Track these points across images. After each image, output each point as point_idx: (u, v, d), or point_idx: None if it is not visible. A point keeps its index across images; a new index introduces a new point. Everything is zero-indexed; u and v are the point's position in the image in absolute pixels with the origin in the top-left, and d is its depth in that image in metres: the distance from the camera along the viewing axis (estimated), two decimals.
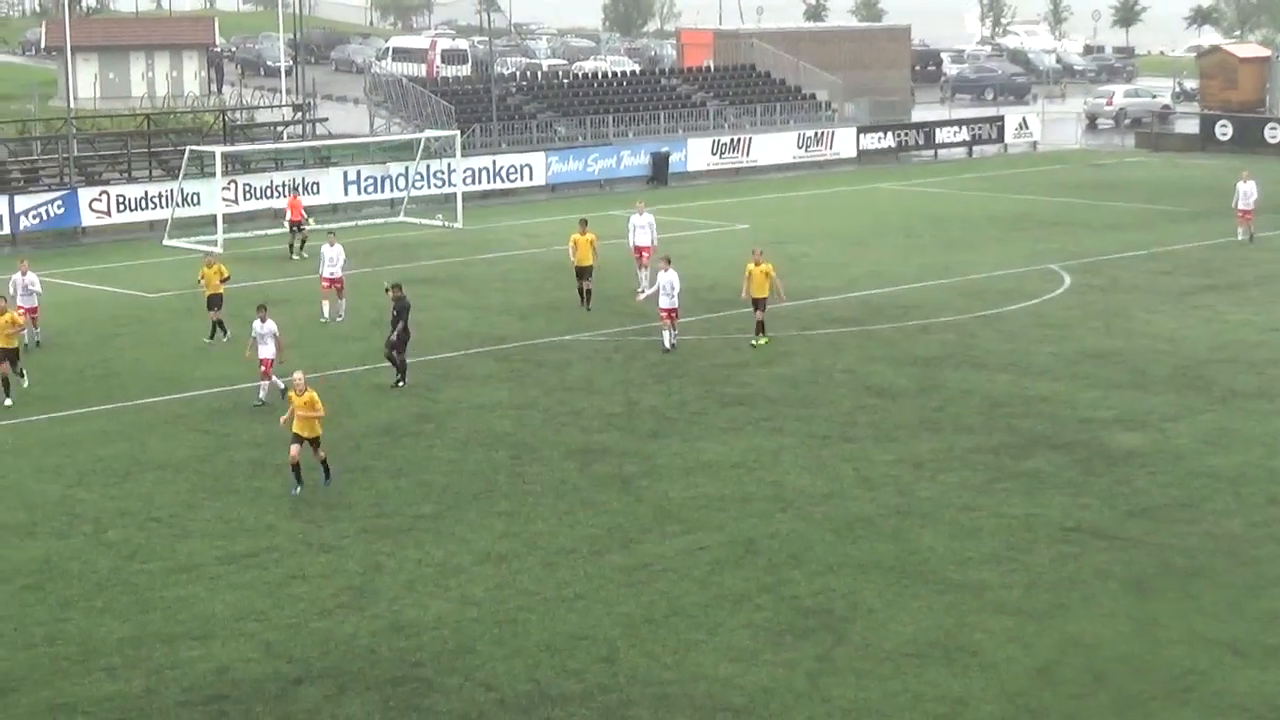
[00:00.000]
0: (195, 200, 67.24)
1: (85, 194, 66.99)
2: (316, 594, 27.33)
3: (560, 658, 24.68)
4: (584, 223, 50.21)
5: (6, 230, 64.86)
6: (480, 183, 76.28)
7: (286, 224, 61.13)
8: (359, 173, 72.62)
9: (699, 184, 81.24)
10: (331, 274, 48.33)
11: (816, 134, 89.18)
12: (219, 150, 66.06)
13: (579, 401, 39.20)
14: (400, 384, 40.53)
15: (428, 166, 73.39)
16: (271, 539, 30.01)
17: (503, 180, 77.61)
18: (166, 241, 63.47)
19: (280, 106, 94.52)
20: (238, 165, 71.25)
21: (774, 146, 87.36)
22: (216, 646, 25.21)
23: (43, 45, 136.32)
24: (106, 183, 69.84)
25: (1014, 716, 22.69)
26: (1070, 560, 28.52)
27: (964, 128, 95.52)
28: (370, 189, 72.25)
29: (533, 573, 28.21)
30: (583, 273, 49.36)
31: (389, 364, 40.90)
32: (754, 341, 44.35)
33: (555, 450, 35.29)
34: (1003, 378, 40.80)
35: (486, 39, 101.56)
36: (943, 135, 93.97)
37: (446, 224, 67.33)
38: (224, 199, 65.85)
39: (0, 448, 36.13)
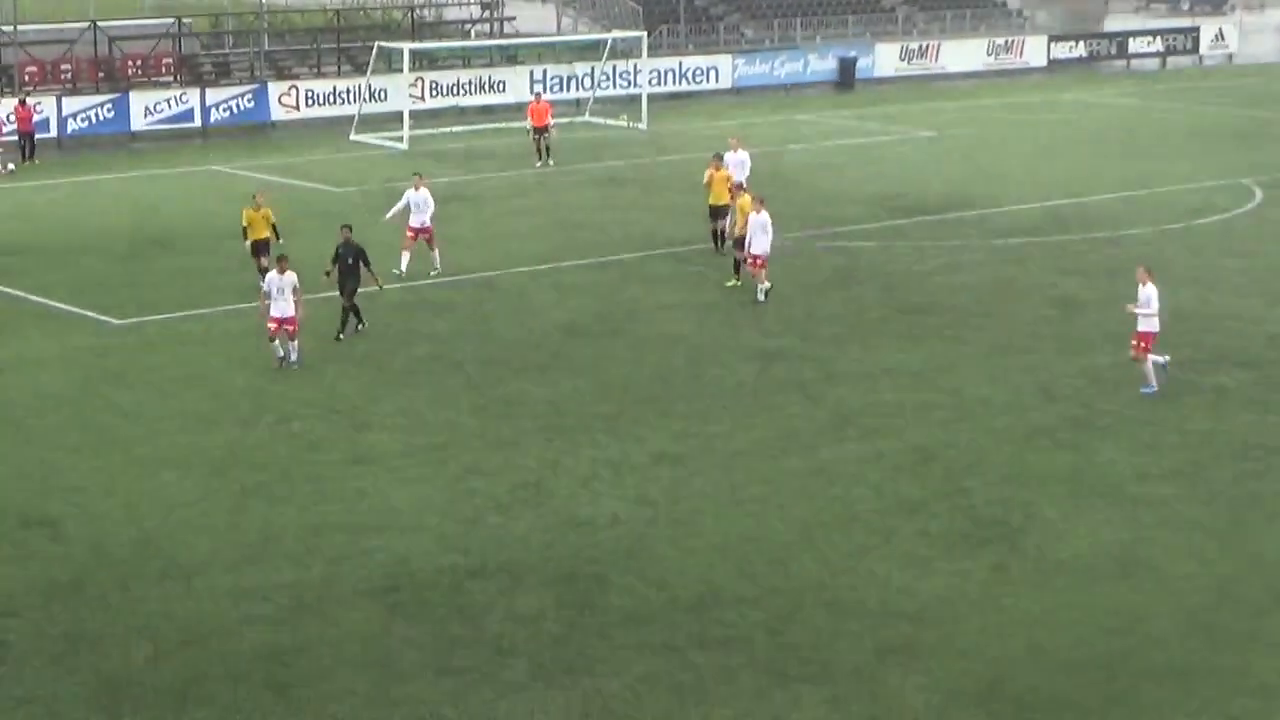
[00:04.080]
0: (383, 96, 67.72)
1: (275, 89, 67.74)
2: (493, 489, 27.55)
3: (733, 559, 24.73)
4: (718, 158, 44.35)
5: (198, 123, 65.72)
6: (666, 84, 76.01)
7: (529, 129, 59.26)
8: (545, 72, 72.69)
9: (885, 89, 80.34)
10: (420, 224, 41.70)
11: (1006, 42, 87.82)
12: (406, 47, 66.29)
13: (759, 306, 39.07)
14: (359, 328, 36.37)
15: (614, 67, 73.30)
16: (450, 434, 30.25)
17: (688, 82, 77.31)
18: (353, 137, 63.95)
19: (468, 4, 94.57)
20: (425, 62, 71.44)
21: (963, 54, 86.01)
22: (394, 538, 25.50)
23: None
24: (296, 78, 70.47)
25: (1190, 633, 22.44)
26: (1252, 478, 28.12)
27: (1158, 38, 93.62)
28: (556, 88, 72.20)
29: (708, 475, 28.27)
30: (716, 212, 43.85)
31: (348, 314, 36.46)
32: (729, 283, 40.63)
33: (734, 353, 35.26)
34: (1188, 292, 40.04)
35: None
36: (1135, 45, 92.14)
37: (631, 125, 67.28)
38: (410, 95, 66.19)
39: (190, 338, 36.74)
